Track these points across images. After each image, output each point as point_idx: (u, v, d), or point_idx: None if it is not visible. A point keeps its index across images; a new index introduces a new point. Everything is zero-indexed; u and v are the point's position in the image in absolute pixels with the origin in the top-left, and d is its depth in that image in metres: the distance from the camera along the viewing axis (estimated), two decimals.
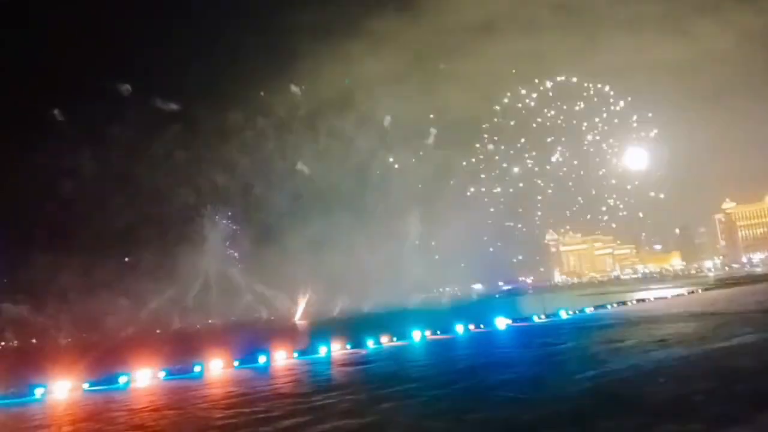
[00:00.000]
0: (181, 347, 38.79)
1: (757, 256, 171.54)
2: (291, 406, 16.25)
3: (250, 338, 42.37)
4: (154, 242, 78.20)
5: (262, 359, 29.83)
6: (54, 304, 71.65)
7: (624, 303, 50.05)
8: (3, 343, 76.61)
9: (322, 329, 42.90)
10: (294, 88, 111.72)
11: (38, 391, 23.93)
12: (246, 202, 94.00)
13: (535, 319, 41.23)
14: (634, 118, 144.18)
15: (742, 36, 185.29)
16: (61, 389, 24.23)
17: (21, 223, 75.20)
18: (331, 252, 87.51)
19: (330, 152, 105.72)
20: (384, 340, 34.36)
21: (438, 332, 36.62)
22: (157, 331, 72.93)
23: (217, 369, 27.92)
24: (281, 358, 30.06)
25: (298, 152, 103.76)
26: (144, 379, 25.90)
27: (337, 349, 32.09)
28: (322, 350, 31.18)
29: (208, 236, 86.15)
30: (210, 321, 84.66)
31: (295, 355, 30.92)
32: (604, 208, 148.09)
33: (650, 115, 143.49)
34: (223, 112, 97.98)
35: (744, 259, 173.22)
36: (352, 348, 32.47)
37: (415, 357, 27.53)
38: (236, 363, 29.27)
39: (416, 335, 35.12)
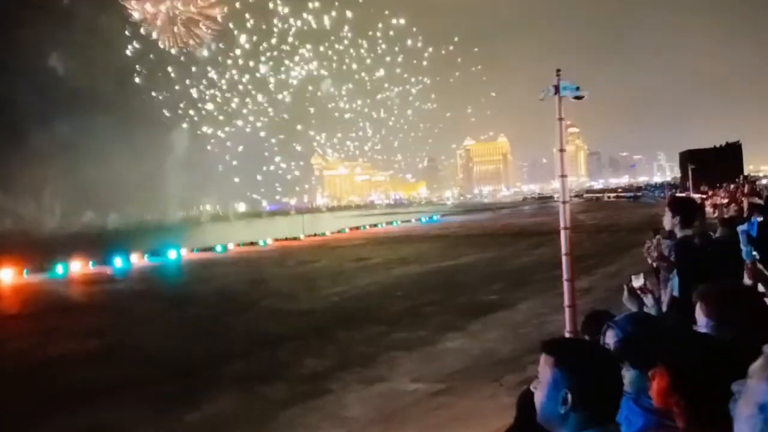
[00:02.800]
0: None
1: (486, 189, 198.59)
2: (17, 327, 14.59)
3: None
4: None
5: None
6: None
7: (376, 225, 54.18)
8: None
9: (64, 244, 38.63)
10: None
11: None
12: None
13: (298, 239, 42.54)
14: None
15: None
16: None
17: None
18: (83, 159, 77.42)
19: (92, 47, 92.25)
20: (135, 258, 32.41)
21: (196, 250, 35.72)
22: None
23: None
24: (8, 276, 26.57)
25: (54, 43, 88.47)
26: None
27: (78, 267, 29.39)
28: (61, 268, 28.28)
29: None
30: None
31: (26, 272, 27.55)
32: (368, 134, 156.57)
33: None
34: None
35: (476, 191, 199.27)
36: (96, 266, 30.03)
37: (169, 276, 26.56)
38: None
39: (172, 253, 33.81)
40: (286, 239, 41.93)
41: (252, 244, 39.10)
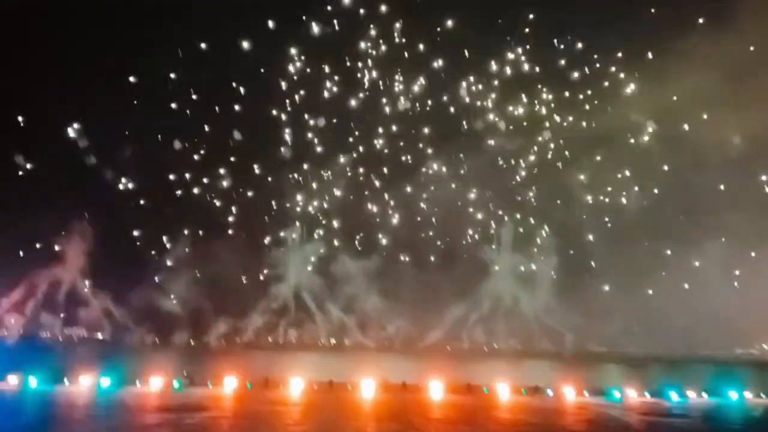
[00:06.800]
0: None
1: None
2: None
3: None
4: None
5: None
6: None
7: None
8: None
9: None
10: None
11: None
12: None
13: None
14: None
15: None
16: None
17: None
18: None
19: None
20: (691, 393, 30.56)
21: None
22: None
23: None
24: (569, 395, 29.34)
25: None
26: None
27: (633, 394, 29.89)
28: (617, 393, 29.46)
29: None
30: None
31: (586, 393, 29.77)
32: None
33: None
34: None
35: None
36: (652, 395, 29.79)
37: (727, 419, 23.86)
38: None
39: (732, 394, 30.47)
40: None
41: None
